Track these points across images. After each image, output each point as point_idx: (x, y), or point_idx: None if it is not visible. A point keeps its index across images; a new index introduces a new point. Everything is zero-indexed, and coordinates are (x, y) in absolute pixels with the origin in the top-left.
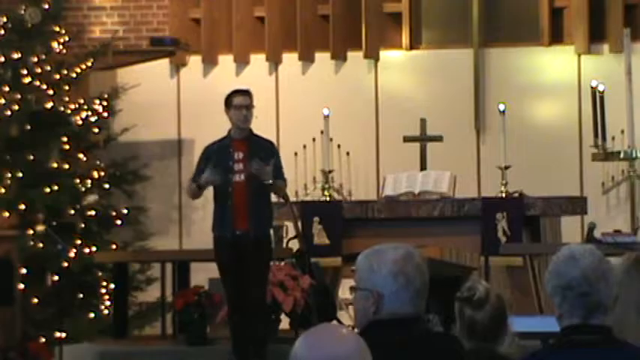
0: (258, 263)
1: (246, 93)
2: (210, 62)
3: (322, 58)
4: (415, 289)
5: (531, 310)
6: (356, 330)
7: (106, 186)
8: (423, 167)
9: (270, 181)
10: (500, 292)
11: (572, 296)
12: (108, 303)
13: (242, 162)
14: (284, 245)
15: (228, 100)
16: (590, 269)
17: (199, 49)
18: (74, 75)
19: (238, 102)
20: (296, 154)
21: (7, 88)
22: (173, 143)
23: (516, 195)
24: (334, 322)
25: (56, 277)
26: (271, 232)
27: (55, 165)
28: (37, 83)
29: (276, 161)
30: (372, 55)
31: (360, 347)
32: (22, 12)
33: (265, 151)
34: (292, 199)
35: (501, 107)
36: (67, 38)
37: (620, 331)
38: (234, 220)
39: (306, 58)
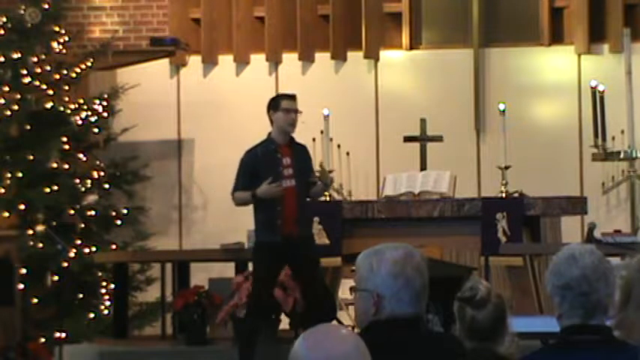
0: (311, 260)
1: (294, 98)
2: (210, 62)
3: (322, 58)
4: (415, 290)
5: (531, 310)
6: (356, 330)
7: (106, 186)
8: (423, 167)
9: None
10: (500, 292)
11: (571, 296)
12: (108, 303)
13: (290, 167)
14: None
15: (276, 103)
16: (590, 269)
17: (199, 49)
18: (74, 75)
19: (288, 105)
20: None
21: (7, 88)
22: (173, 143)
23: (516, 195)
24: (334, 322)
25: (56, 277)
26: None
27: (54, 165)
28: (37, 83)
29: (311, 165)
30: (372, 55)
31: (360, 348)
32: (22, 12)
33: (305, 156)
34: None
35: (501, 107)
36: (66, 38)
37: (631, 330)
38: (285, 225)
39: (306, 58)
